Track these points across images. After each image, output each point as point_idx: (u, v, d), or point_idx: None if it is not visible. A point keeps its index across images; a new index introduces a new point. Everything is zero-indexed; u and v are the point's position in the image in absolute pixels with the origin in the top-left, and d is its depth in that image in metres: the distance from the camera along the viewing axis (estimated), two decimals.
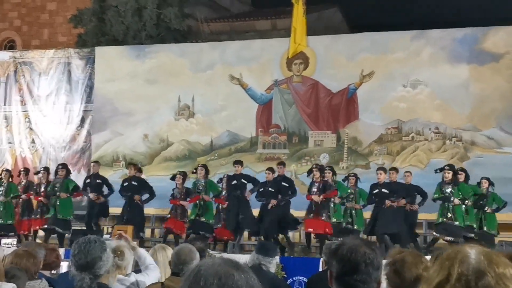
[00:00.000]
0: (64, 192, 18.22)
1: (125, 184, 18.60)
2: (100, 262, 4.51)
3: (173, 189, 18.15)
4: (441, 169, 16.44)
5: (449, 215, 15.99)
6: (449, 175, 16.13)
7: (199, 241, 7.09)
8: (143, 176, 19.42)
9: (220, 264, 2.24)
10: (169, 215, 18.03)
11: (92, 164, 19.89)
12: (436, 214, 16.57)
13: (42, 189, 18.86)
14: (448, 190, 16.05)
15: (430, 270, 2.16)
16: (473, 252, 2.10)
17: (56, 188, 18.32)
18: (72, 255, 4.57)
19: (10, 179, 19.37)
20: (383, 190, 16.49)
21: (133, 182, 18.55)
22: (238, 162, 17.97)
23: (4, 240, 17.95)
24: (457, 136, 20.15)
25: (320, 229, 16.42)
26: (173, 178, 18.30)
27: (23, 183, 19.25)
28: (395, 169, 17.14)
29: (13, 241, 17.13)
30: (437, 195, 16.21)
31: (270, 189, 16.95)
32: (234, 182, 17.38)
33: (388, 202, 16.20)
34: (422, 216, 18.32)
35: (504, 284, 2.02)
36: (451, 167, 16.58)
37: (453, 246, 2.17)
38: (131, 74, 23.02)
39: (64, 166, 19.00)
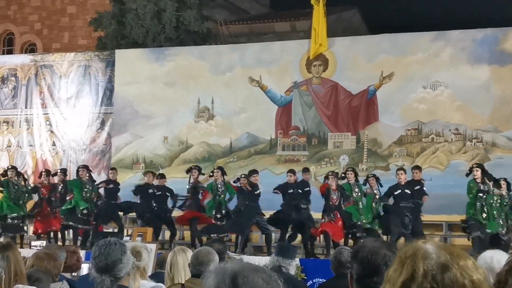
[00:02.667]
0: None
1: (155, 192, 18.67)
2: (120, 264, 4.53)
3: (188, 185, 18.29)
4: (470, 170, 16.33)
5: (484, 214, 15.88)
6: (478, 173, 16.03)
7: (217, 243, 7.09)
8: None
9: (257, 277, 2.25)
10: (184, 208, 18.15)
11: (110, 171, 19.91)
12: (456, 215, 16.53)
13: (59, 189, 18.99)
14: (482, 188, 15.94)
15: (389, 270, 2.16)
16: (431, 247, 2.12)
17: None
18: (93, 258, 4.59)
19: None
20: (406, 190, 16.46)
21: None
22: (254, 172, 18.04)
23: (33, 243, 18.08)
24: (478, 137, 20.03)
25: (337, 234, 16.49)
26: (188, 171, 18.34)
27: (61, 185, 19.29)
28: (418, 168, 17.11)
29: (42, 243, 17.22)
30: (472, 195, 16.06)
31: (299, 190, 17.04)
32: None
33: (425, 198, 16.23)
34: (442, 218, 18.25)
35: (468, 275, 2.05)
36: (479, 165, 16.50)
37: (408, 244, 2.19)
38: (151, 77, 23.07)
39: (85, 167, 19.08)
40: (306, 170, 17.97)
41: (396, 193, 16.64)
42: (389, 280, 2.13)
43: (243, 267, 2.27)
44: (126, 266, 4.58)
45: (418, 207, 16.58)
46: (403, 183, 16.66)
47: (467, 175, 16.34)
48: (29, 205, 19.74)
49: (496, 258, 4.19)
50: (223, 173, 17.97)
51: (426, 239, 2.22)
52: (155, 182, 18.97)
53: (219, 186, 17.72)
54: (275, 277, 2.30)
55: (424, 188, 16.80)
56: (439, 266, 2.06)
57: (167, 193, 18.80)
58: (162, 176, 19.34)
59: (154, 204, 18.30)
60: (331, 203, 16.58)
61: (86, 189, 18.32)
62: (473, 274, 2.06)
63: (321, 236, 16.93)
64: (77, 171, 18.96)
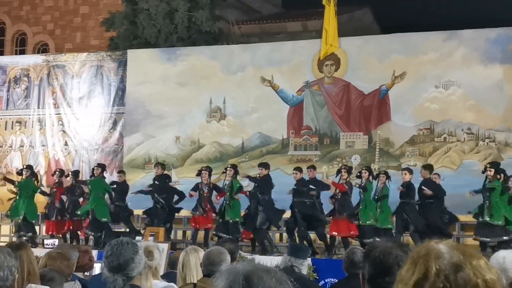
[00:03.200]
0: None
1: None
2: (133, 264, 4.54)
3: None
4: (485, 169, 16.29)
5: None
6: (491, 173, 15.98)
7: (229, 243, 7.10)
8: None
9: (269, 277, 2.25)
10: (193, 213, 18.12)
11: (118, 174, 20.08)
12: (468, 215, 16.48)
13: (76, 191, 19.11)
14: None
15: (401, 270, 2.17)
16: (444, 247, 2.12)
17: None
18: (105, 257, 4.60)
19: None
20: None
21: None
22: (262, 165, 18.04)
23: (46, 241, 18.17)
24: (490, 137, 19.96)
25: (346, 231, 16.46)
26: (198, 174, 18.33)
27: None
28: (425, 167, 17.02)
29: (55, 241, 17.29)
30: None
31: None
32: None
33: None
34: None
35: (481, 275, 2.05)
36: (492, 165, 16.44)
37: (421, 244, 2.19)
38: (163, 77, 23.11)
39: (100, 165, 19.12)
40: (310, 167, 17.89)
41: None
42: (401, 280, 2.13)
43: (256, 268, 2.27)
44: (138, 265, 4.59)
45: (413, 205, 16.57)
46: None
47: (483, 172, 16.32)
48: (41, 204, 19.90)
49: (509, 258, 4.16)
50: (236, 172, 17.98)
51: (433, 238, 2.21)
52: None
53: (228, 183, 17.75)
54: (286, 278, 2.30)
55: (424, 187, 16.65)
56: (452, 265, 2.06)
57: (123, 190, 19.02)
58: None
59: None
60: (342, 197, 16.62)
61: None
62: (486, 274, 2.06)
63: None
64: (93, 169, 19.03)
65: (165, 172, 19.35)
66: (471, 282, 2.03)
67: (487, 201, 15.91)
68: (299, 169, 17.40)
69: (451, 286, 2.03)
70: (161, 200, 18.27)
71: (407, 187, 16.52)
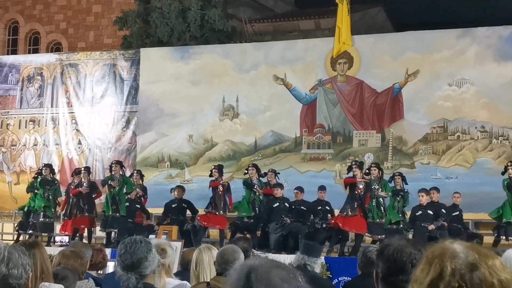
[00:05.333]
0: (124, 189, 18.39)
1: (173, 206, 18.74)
2: (146, 262, 4.55)
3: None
4: (505, 169, 16.23)
5: None
6: None
7: (242, 241, 7.10)
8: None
9: (272, 274, 2.25)
10: (206, 210, 18.10)
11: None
12: (483, 213, 16.43)
13: (85, 187, 19.08)
14: None
15: (416, 269, 2.16)
16: (459, 247, 2.12)
17: (111, 183, 18.45)
18: (118, 255, 4.62)
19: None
20: (428, 211, 16.33)
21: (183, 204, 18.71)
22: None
23: (57, 238, 18.21)
24: (504, 135, 19.89)
25: (360, 228, 16.40)
26: (211, 174, 18.33)
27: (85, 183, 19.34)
28: (436, 189, 16.87)
29: (64, 239, 17.33)
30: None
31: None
32: None
33: (431, 226, 16.07)
34: (468, 216, 18.11)
35: (497, 274, 2.05)
36: None
37: (435, 244, 2.19)
38: (176, 75, 23.14)
39: (118, 163, 19.13)
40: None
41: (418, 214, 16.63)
42: (416, 279, 2.13)
43: (260, 264, 2.26)
44: (151, 264, 4.60)
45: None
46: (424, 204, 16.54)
47: (503, 173, 16.25)
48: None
49: None
50: (258, 170, 18.03)
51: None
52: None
53: (255, 183, 17.76)
54: (298, 274, 2.29)
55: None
56: (467, 265, 2.06)
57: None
58: (78, 172, 19.67)
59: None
60: (356, 192, 16.49)
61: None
62: (501, 274, 2.06)
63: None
64: (110, 167, 19.03)
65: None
66: (487, 282, 2.03)
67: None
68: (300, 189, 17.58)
69: (467, 286, 2.03)
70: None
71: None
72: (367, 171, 17.20)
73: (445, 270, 2.06)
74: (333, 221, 16.60)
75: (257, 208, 17.64)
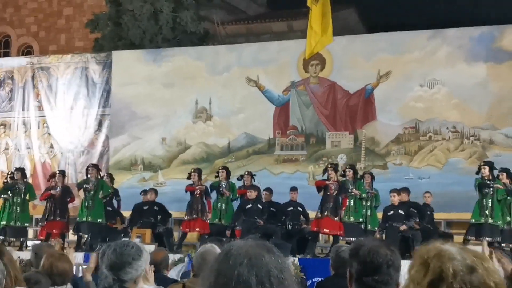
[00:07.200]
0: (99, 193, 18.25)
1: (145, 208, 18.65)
2: (128, 268, 4.49)
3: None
4: (479, 169, 16.32)
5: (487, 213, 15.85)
6: (485, 170, 16.01)
7: (215, 242, 7.09)
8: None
9: (252, 246, 2.26)
10: (187, 217, 17.99)
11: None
12: (455, 213, 16.54)
13: (58, 190, 18.93)
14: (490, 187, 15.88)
15: (410, 270, 2.19)
16: (453, 249, 2.17)
17: (87, 186, 18.31)
18: (106, 254, 4.60)
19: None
20: (400, 211, 16.43)
21: (155, 207, 18.62)
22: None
23: (29, 242, 18.04)
24: (475, 135, 20.05)
25: (335, 229, 16.45)
26: (189, 177, 18.29)
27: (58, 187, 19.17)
28: (406, 190, 17.00)
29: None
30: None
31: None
32: None
33: (403, 227, 16.15)
34: (440, 216, 18.25)
35: (493, 277, 2.11)
36: (487, 162, 16.47)
37: (425, 245, 2.22)
38: (148, 78, 23.05)
39: (94, 166, 19.03)
40: (267, 190, 18.04)
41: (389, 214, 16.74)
42: (413, 280, 2.16)
43: (252, 246, 2.27)
44: (134, 271, 4.54)
45: None
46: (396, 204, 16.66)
47: (477, 173, 16.34)
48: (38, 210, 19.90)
49: None
50: (228, 173, 18.04)
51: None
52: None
53: (225, 186, 17.75)
54: (283, 258, 2.31)
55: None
56: (467, 267, 2.11)
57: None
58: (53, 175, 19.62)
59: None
60: (328, 193, 16.57)
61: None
62: (496, 276, 2.12)
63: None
64: (87, 170, 18.88)
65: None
66: (486, 284, 2.09)
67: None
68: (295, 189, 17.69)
69: (467, 287, 2.07)
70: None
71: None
72: (342, 172, 17.32)
73: (446, 271, 2.10)
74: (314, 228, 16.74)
75: (222, 210, 17.64)
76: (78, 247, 17.36)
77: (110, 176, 19.82)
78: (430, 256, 2.15)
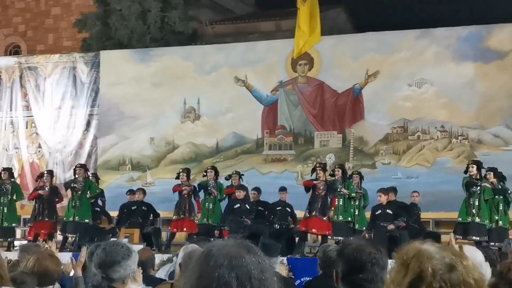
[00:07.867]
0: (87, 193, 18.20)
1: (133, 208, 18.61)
2: (117, 267, 4.50)
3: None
4: (467, 168, 16.33)
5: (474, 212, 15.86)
6: (473, 169, 16.03)
7: (202, 242, 7.07)
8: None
9: (232, 246, 2.25)
10: (174, 216, 17.99)
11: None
12: (443, 212, 16.56)
13: (46, 190, 18.87)
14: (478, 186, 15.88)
15: (391, 271, 2.20)
16: (432, 248, 2.17)
17: (75, 186, 18.23)
18: (96, 253, 4.59)
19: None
20: (387, 211, 16.44)
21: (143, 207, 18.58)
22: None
23: (17, 243, 17.97)
24: (463, 134, 20.10)
25: (323, 229, 16.48)
26: (178, 177, 18.27)
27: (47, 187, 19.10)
28: (393, 189, 17.01)
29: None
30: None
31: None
32: None
33: (391, 226, 16.16)
34: (429, 215, 18.30)
35: (472, 274, 2.12)
36: (475, 162, 16.49)
37: (406, 246, 2.22)
38: (136, 78, 23.00)
39: (82, 166, 18.98)
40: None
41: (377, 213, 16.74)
42: (393, 281, 2.16)
43: (233, 247, 2.26)
44: (122, 271, 4.54)
45: None
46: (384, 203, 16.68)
47: (465, 172, 16.36)
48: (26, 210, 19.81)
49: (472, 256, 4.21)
50: (216, 173, 18.04)
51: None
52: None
53: (210, 184, 17.75)
54: (264, 258, 2.30)
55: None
56: (446, 266, 2.11)
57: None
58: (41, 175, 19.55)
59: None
60: (316, 193, 16.60)
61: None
62: (475, 273, 2.13)
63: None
64: (74, 170, 18.84)
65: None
66: (465, 282, 2.09)
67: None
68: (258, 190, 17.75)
69: (447, 286, 2.07)
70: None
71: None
72: (331, 172, 17.35)
73: (426, 271, 2.10)
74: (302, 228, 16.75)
75: (210, 209, 17.64)
76: (63, 247, 17.31)
77: (96, 176, 19.79)
78: (409, 256, 2.15)
